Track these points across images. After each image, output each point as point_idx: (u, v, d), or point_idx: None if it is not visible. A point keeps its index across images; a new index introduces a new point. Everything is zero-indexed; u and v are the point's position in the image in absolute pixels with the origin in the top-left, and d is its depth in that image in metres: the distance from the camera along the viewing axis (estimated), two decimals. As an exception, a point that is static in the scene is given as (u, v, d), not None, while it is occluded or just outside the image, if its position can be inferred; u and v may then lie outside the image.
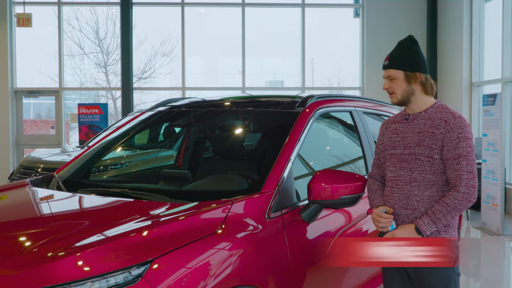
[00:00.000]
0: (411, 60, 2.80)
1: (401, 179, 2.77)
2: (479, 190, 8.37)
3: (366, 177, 3.10)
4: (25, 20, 10.62)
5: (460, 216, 4.86)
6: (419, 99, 2.82)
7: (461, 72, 10.89)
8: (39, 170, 6.44)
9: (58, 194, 3.22)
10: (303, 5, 12.33)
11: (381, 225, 2.78)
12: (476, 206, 9.18)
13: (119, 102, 13.21)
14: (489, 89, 10.60)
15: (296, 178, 3.06)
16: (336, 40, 13.76)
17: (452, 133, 2.68)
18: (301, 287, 2.89)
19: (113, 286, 2.09)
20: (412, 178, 2.74)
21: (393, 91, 2.82)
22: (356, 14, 12.60)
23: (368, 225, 3.55)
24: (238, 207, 2.68)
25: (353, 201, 2.94)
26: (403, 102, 2.84)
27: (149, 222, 2.53)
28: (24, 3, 11.15)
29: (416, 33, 11.88)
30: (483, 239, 7.77)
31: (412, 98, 2.82)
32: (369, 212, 3.55)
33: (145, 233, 2.37)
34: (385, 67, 2.84)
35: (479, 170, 8.38)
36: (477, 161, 9.17)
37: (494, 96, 8.10)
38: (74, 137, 13.20)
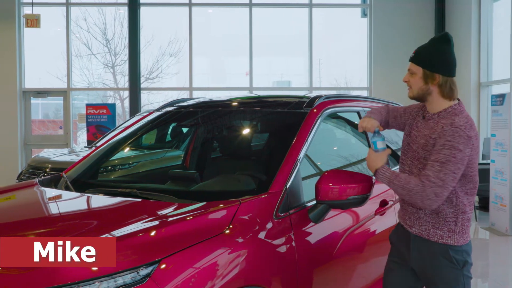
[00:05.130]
0: (434, 60, 2.71)
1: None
2: (487, 191, 8.34)
3: (374, 177, 3.09)
4: (33, 21, 10.67)
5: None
6: (435, 101, 2.75)
7: (469, 72, 10.84)
8: (47, 170, 6.46)
9: (66, 194, 3.23)
10: (310, 5, 12.32)
11: (362, 123, 2.89)
12: (485, 207, 9.15)
13: (126, 102, 13.26)
14: (497, 89, 10.55)
15: (304, 178, 3.06)
16: (344, 40, 13.73)
17: (441, 139, 2.61)
18: (309, 287, 2.89)
19: (121, 286, 2.09)
20: None
21: (410, 86, 2.78)
22: (364, 14, 12.57)
23: (376, 226, 3.54)
24: (245, 208, 2.67)
25: (361, 202, 2.92)
26: (419, 99, 2.80)
27: (157, 222, 2.53)
28: (32, 4, 11.20)
29: (424, 33, 11.87)
30: (492, 239, 7.74)
31: (429, 98, 2.76)
32: (376, 212, 3.55)
33: (153, 233, 2.38)
34: (409, 59, 2.78)
35: (487, 171, 8.34)
36: (485, 161, 9.15)
37: (502, 96, 8.06)
38: (82, 137, 13.25)
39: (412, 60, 2.77)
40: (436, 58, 2.72)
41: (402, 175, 2.68)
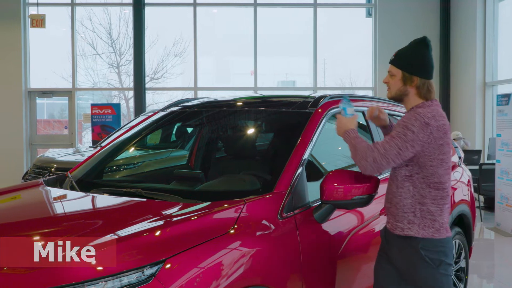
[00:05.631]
0: (413, 63, 2.84)
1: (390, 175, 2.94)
2: (493, 191, 8.32)
3: (378, 177, 3.09)
4: (38, 21, 10.69)
5: (474, 217, 4.82)
6: (411, 101, 2.87)
7: (475, 72, 10.82)
8: (52, 170, 6.48)
9: (71, 194, 3.24)
10: (315, 5, 12.31)
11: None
12: (490, 207, 9.12)
13: (131, 102, 13.27)
14: (503, 89, 10.52)
15: (309, 178, 3.06)
16: (348, 40, 13.72)
17: (399, 122, 2.78)
18: (314, 287, 2.89)
19: (126, 286, 2.10)
20: (392, 174, 2.88)
21: (389, 87, 2.92)
22: (369, 14, 12.55)
23: (381, 226, 3.53)
24: (250, 207, 2.68)
25: (366, 202, 2.93)
26: (396, 100, 2.93)
27: (161, 222, 2.54)
28: (37, 4, 11.24)
29: (429, 33, 11.84)
30: (497, 240, 7.71)
31: (405, 98, 2.88)
32: (381, 212, 3.54)
33: (158, 233, 2.38)
34: (390, 62, 2.92)
35: (493, 171, 8.32)
36: (490, 161, 9.11)
37: (508, 96, 8.03)
38: (87, 137, 13.28)
39: (392, 62, 2.90)
40: (415, 61, 2.84)
41: (362, 138, 2.81)
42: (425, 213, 2.77)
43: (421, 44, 2.88)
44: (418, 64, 2.84)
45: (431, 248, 2.76)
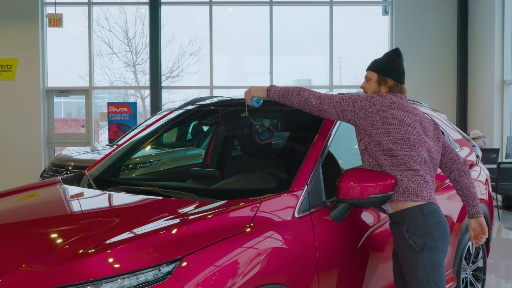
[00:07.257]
0: (387, 67, 3.16)
1: None
2: (510, 190, 8.24)
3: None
4: (56, 21, 10.78)
5: (492, 217, 4.78)
6: None
7: (493, 70, 10.70)
8: (70, 168, 6.53)
9: (88, 191, 3.27)
10: (331, 3, 12.27)
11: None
12: (509, 206, 9.03)
13: (147, 101, 13.33)
14: (521, 87, 10.40)
15: (325, 177, 3.05)
16: (365, 38, 13.64)
17: None
18: (330, 286, 2.88)
19: (143, 283, 2.11)
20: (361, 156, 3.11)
21: (366, 90, 3.21)
22: (385, 12, 12.47)
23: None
24: (266, 206, 2.68)
25: (382, 200, 2.91)
26: None
27: (178, 220, 2.55)
28: (55, 4, 11.32)
29: (446, 30, 11.76)
30: (515, 239, 7.64)
31: None
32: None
33: (174, 231, 2.39)
34: (366, 69, 3.25)
35: (511, 170, 8.23)
36: (509, 160, 9.02)
37: (526, 94, 7.95)
38: (103, 135, 13.35)
39: (369, 68, 3.24)
40: (389, 66, 3.17)
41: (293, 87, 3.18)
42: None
43: (394, 53, 3.23)
44: (391, 67, 3.15)
45: (414, 231, 2.85)
